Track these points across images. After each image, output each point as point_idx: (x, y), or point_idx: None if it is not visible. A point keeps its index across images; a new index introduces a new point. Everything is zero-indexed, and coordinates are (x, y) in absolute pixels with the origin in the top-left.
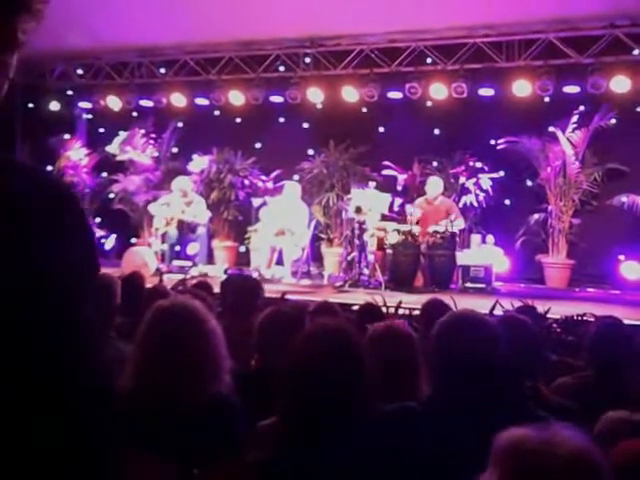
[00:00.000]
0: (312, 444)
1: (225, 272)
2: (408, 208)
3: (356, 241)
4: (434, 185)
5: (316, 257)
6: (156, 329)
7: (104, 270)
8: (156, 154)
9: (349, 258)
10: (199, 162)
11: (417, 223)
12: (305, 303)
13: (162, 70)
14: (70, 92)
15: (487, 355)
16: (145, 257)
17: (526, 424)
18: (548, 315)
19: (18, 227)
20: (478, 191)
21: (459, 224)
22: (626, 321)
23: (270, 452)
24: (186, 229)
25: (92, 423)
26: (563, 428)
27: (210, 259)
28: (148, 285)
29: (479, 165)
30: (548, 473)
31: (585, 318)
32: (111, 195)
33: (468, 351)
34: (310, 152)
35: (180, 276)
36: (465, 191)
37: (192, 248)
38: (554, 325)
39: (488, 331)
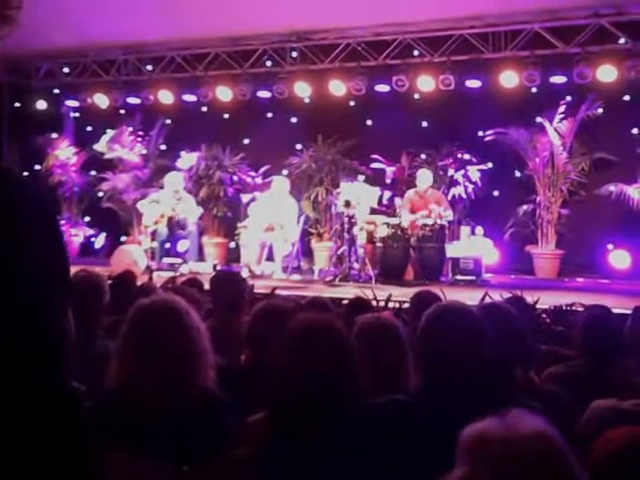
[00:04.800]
0: (301, 439)
1: (214, 268)
2: (397, 201)
3: (346, 235)
4: (423, 177)
5: (306, 252)
6: (137, 327)
7: (93, 269)
8: (144, 152)
9: (339, 252)
10: (187, 159)
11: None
12: (296, 298)
13: (149, 67)
14: (56, 91)
15: (473, 345)
16: (134, 255)
17: None
18: (538, 305)
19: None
20: (467, 183)
21: (448, 215)
22: (615, 310)
23: (259, 447)
24: (176, 226)
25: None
26: (521, 413)
27: (200, 256)
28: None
29: (467, 157)
30: (514, 456)
31: (574, 308)
32: (100, 193)
33: (454, 342)
34: (298, 147)
35: (170, 273)
36: (454, 183)
37: (182, 245)
38: (543, 315)
39: (474, 321)
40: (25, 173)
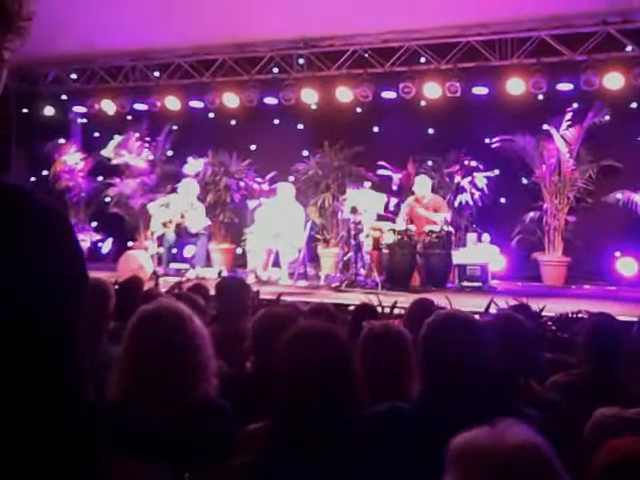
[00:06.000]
0: (301, 447)
1: (219, 274)
2: (403, 207)
3: (352, 241)
4: (422, 184)
5: (312, 258)
6: (140, 334)
7: (99, 274)
8: (151, 157)
9: (345, 259)
10: (194, 165)
11: (411, 222)
12: (301, 304)
13: (156, 73)
14: (64, 97)
15: (475, 354)
16: (141, 260)
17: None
18: (543, 313)
19: (17, 243)
20: (473, 190)
21: (440, 217)
22: (622, 317)
23: (260, 456)
24: (184, 232)
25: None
26: (511, 424)
27: (207, 261)
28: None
29: (474, 164)
30: (501, 466)
31: (580, 315)
32: (107, 199)
33: (455, 350)
34: (305, 153)
35: (177, 279)
36: (460, 190)
37: (189, 251)
38: (549, 323)
39: (475, 330)
40: (32, 179)
